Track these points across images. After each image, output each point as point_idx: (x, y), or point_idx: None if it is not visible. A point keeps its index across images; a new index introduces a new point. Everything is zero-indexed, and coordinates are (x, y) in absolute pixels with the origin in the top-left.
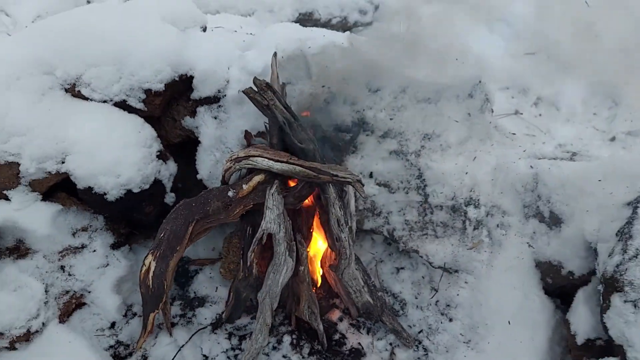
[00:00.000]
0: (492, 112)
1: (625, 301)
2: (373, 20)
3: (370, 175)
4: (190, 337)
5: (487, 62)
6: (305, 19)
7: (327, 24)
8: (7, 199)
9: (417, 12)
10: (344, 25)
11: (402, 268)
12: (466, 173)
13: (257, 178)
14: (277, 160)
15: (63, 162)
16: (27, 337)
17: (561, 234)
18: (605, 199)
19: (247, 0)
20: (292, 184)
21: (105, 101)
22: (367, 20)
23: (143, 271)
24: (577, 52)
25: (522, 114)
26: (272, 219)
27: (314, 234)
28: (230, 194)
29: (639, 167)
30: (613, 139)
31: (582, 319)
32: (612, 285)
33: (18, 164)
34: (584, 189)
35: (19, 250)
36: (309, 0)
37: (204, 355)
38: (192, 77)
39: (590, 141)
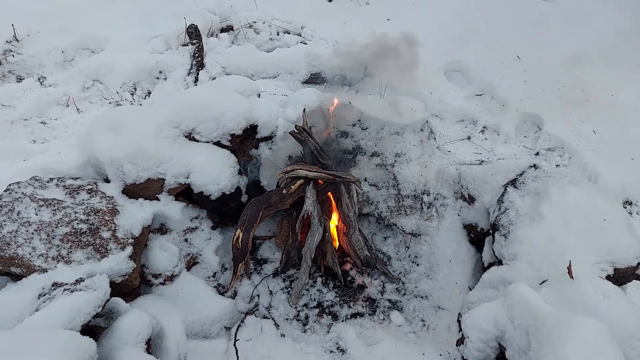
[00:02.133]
0: (435, 139)
1: (500, 235)
2: (364, 76)
3: (365, 180)
4: (261, 280)
5: (447, 102)
6: (315, 77)
7: (331, 81)
8: (157, 199)
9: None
10: (343, 81)
11: (387, 237)
12: (421, 175)
13: (300, 181)
14: (311, 170)
15: (187, 177)
16: (172, 277)
17: (475, 207)
18: (494, 185)
19: (274, 66)
20: (320, 183)
21: (208, 142)
22: (359, 77)
23: (234, 238)
24: (512, 93)
25: (469, 138)
26: (310, 203)
27: (333, 215)
28: (284, 191)
29: (510, 167)
30: (537, 153)
31: (486, 253)
32: (494, 227)
33: (163, 180)
34: (484, 180)
35: (162, 229)
36: (318, 65)
37: (270, 290)
38: (257, 126)
39: (522, 155)
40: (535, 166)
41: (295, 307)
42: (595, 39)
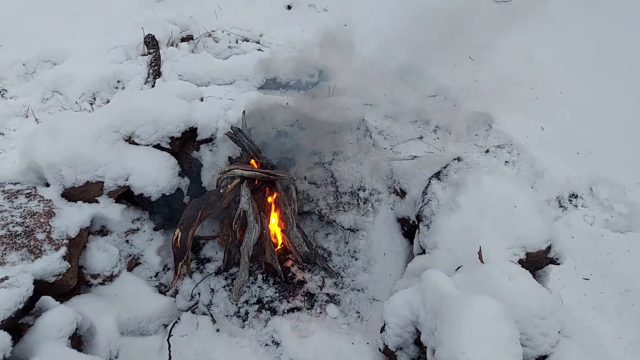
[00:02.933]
0: (371, 137)
1: (423, 225)
2: (319, 80)
3: (305, 178)
4: (202, 279)
5: (400, 103)
6: (271, 82)
7: (286, 85)
8: (97, 202)
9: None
10: (298, 86)
11: (329, 233)
12: (357, 172)
13: (236, 181)
14: (246, 170)
15: (127, 180)
16: (111, 278)
17: (406, 200)
18: (421, 178)
19: (230, 73)
20: (256, 182)
21: (148, 145)
22: (314, 81)
23: (174, 237)
24: (463, 93)
25: (422, 137)
26: (245, 202)
27: (272, 213)
28: (221, 191)
29: (437, 160)
30: (487, 151)
31: (415, 245)
32: (418, 218)
33: (102, 182)
34: (414, 174)
35: (102, 231)
36: (273, 70)
37: (212, 289)
38: (196, 128)
39: (471, 153)
40: (458, 159)
41: (236, 304)
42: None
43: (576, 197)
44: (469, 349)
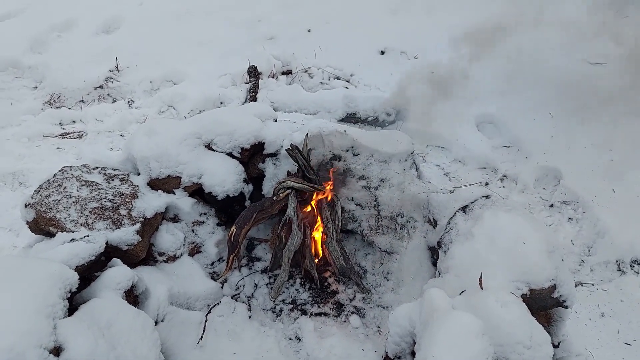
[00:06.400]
0: (417, 169)
1: (442, 251)
2: (395, 119)
3: (352, 199)
4: (249, 274)
5: (471, 149)
6: (351, 116)
7: (365, 121)
8: (173, 193)
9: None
10: (375, 122)
11: (368, 253)
12: (399, 199)
13: (287, 191)
14: (296, 182)
15: (200, 178)
16: (174, 258)
17: (436, 230)
18: (452, 210)
19: (315, 104)
20: (305, 195)
21: (222, 152)
22: (391, 120)
23: (229, 233)
24: (537, 147)
25: (487, 184)
26: (291, 209)
27: (317, 224)
28: (274, 198)
29: (467, 196)
30: (552, 205)
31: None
32: (439, 245)
33: (180, 178)
34: (446, 206)
35: (174, 218)
36: (354, 105)
37: (255, 284)
38: (264, 143)
39: (535, 206)
40: (487, 196)
41: (274, 301)
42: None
43: (639, 263)
44: (438, 354)
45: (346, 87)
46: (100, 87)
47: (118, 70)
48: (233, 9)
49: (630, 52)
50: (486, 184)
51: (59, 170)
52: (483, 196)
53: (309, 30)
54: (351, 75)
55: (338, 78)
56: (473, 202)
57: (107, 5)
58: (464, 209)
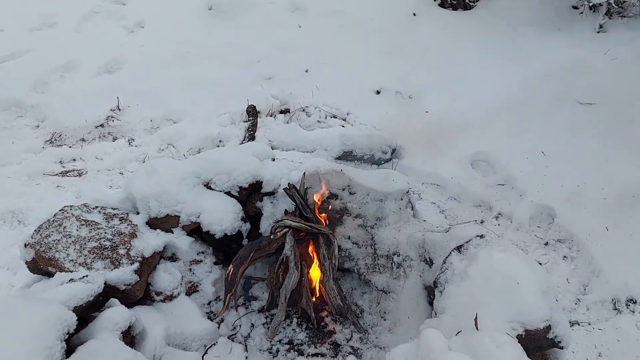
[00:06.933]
0: (412, 208)
1: (438, 291)
2: (391, 157)
3: (348, 238)
4: (246, 313)
5: (466, 186)
6: (348, 154)
7: (361, 159)
8: (172, 232)
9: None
10: (371, 160)
11: (365, 292)
12: (395, 238)
13: (284, 230)
14: (294, 221)
15: (198, 217)
16: (171, 297)
17: (432, 269)
18: (447, 250)
19: (312, 142)
20: (302, 234)
21: (221, 191)
22: (387, 158)
23: (227, 271)
24: (531, 185)
25: (482, 222)
26: (288, 248)
27: (314, 263)
28: (272, 237)
29: (462, 235)
30: (547, 243)
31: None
32: (435, 285)
33: (179, 217)
34: (442, 245)
35: (172, 257)
36: (350, 144)
37: (252, 324)
38: (262, 182)
39: (530, 244)
40: (481, 236)
41: (270, 341)
42: None
43: (634, 302)
44: None
45: (343, 126)
46: (101, 125)
47: (119, 109)
48: (232, 51)
49: None
50: (481, 222)
51: (60, 210)
52: (477, 235)
53: (306, 71)
54: (347, 114)
55: (335, 117)
56: (468, 242)
57: (110, 47)
58: (459, 248)
